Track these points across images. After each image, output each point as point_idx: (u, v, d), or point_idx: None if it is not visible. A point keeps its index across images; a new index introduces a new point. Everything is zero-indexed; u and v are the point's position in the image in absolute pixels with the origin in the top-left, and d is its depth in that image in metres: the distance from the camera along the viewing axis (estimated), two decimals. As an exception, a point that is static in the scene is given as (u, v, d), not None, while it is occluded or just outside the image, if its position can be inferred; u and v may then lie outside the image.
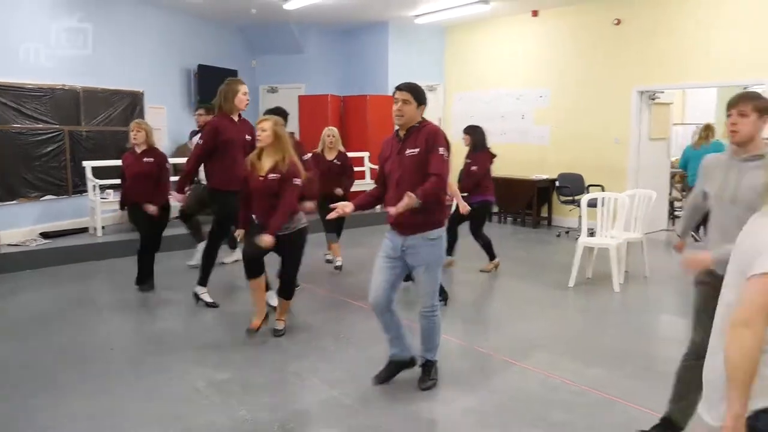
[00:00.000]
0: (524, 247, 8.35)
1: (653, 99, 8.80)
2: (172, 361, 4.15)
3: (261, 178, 4.36)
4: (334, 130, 6.67)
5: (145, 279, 5.88)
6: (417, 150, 3.41)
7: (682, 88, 9.64)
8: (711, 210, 2.79)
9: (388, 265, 3.58)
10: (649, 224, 7.85)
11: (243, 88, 5.09)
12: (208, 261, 5.26)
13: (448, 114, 11.49)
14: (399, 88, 3.47)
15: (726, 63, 7.68)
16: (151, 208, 5.56)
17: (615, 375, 3.96)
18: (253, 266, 4.49)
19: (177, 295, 5.68)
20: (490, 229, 9.69)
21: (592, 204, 6.25)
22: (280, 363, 4.14)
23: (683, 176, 10.43)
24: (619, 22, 8.68)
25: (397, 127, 3.54)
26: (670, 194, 9.65)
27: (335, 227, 6.45)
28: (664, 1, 8.23)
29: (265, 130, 4.35)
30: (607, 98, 8.91)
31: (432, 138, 3.41)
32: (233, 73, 10.56)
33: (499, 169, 10.59)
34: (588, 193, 8.41)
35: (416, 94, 3.45)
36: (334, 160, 6.51)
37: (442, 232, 3.52)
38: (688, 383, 2.88)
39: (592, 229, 6.44)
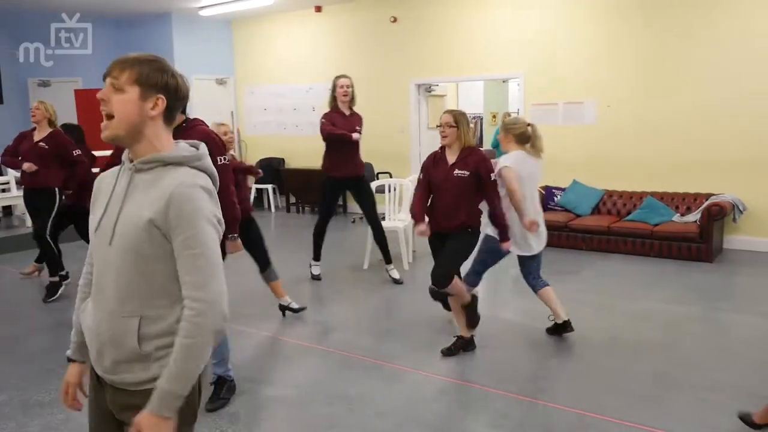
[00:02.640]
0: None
1: (429, 91, 9.57)
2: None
3: None
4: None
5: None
6: None
7: (453, 81, 10.57)
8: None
9: None
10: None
11: (339, 82, 5.71)
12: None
13: (240, 107, 11.39)
14: None
15: (489, 58, 8.60)
16: None
17: (406, 347, 4.33)
18: None
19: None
20: (291, 219, 9.88)
21: (380, 190, 6.67)
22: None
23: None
24: (395, 20, 9.28)
25: None
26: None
27: None
28: (435, 2, 8.96)
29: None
30: (389, 91, 9.48)
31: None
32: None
33: (294, 161, 10.86)
34: (377, 180, 8.93)
35: None
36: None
37: None
38: None
39: (382, 213, 6.86)
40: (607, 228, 6.85)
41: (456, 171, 3.96)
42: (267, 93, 10.99)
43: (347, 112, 5.82)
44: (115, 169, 1.67)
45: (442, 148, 4.09)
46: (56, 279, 5.64)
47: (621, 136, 7.48)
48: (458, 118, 4.01)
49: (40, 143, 5.47)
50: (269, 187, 10.69)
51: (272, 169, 10.83)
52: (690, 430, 3.13)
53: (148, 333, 1.54)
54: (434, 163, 4.09)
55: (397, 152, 9.52)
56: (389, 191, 6.65)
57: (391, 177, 8.58)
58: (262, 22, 10.80)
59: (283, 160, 10.94)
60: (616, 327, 4.59)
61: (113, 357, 1.57)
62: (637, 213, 6.96)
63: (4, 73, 9.62)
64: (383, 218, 6.77)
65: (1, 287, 5.93)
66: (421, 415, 3.35)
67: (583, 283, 5.81)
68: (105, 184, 1.67)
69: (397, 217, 6.70)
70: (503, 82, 11.87)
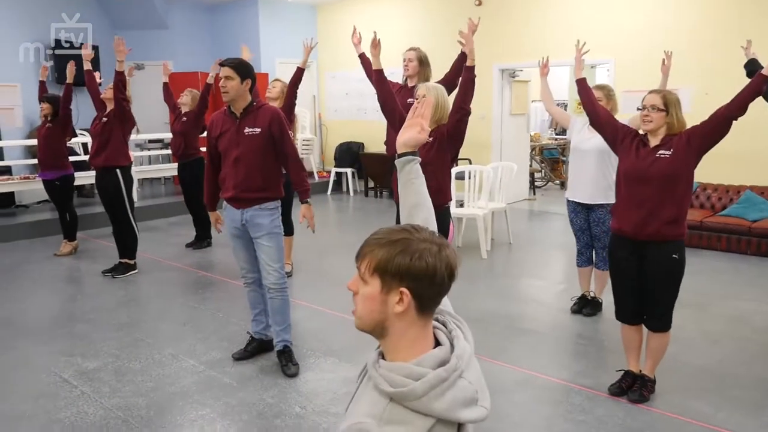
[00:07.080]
0: (399, 221, 8.63)
1: (513, 77, 9.34)
2: (34, 354, 3.95)
3: None
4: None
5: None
6: (258, 130, 3.51)
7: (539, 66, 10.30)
8: None
9: (238, 243, 3.71)
10: (511, 195, 8.41)
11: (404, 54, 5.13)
12: None
13: (322, 92, 11.53)
14: (222, 64, 3.51)
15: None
16: None
17: (483, 335, 4.26)
18: None
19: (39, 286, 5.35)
20: (369, 203, 9.94)
21: (460, 177, 6.58)
22: (156, 347, 4.06)
23: (541, 149, 11.23)
24: (480, 3, 9.08)
25: (228, 105, 3.57)
26: (530, 166, 10.32)
27: None
28: (520, -16, 8.73)
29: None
30: (472, 76, 9.31)
31: (277, 121, 3.55)
32: (93, 49, 9.89)
33: (374, 145, 10.88)
34: (456, 166, 8.82)
35: (239, 69, 3.48)
36: None
37: (277, 204, 3.65)
38: None
39: (460, 200, 6.78)
40: (699, 223, 6.49)
41: (660, 152, 3.12)
42: (348, 78, 11.05)
43: (411, 84, 5.13)
44: None
45: (644, 135, 3.26)
46: (132, 263, 5.72)
47: (719, 125, 7.04)
48: (668, 100, 3.14)
49: (103, 118, 5.32)
50: (348, 171, 10.79)
51: (352, 153, 10.92)
52: (790, 440, 2.93)
53: None
54: (636, 150, 3.22)
55: (476, 139, 9.34)
56: (469, 178, 6.56)
57: (470, 163, 8.45)
58: (346, 6, 10.85)
59: (362, 144, 11.00)
60: (711, 329, 4.35)
61: None
62: (733, 207, 6.55)
63: (103, 55, 10.11)
64: (461, 205, 6.70)
65: (90, 258, 6.25)
66: (500, 406, 3.29)
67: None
68: None
69: (476, 204, 6.60)
70: (591, 67, 11.41)
